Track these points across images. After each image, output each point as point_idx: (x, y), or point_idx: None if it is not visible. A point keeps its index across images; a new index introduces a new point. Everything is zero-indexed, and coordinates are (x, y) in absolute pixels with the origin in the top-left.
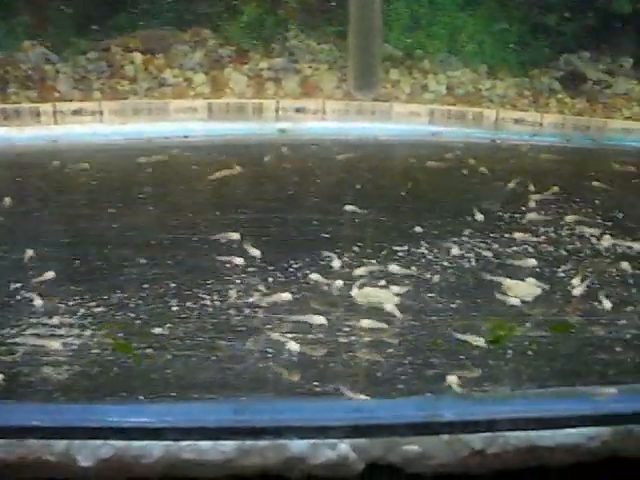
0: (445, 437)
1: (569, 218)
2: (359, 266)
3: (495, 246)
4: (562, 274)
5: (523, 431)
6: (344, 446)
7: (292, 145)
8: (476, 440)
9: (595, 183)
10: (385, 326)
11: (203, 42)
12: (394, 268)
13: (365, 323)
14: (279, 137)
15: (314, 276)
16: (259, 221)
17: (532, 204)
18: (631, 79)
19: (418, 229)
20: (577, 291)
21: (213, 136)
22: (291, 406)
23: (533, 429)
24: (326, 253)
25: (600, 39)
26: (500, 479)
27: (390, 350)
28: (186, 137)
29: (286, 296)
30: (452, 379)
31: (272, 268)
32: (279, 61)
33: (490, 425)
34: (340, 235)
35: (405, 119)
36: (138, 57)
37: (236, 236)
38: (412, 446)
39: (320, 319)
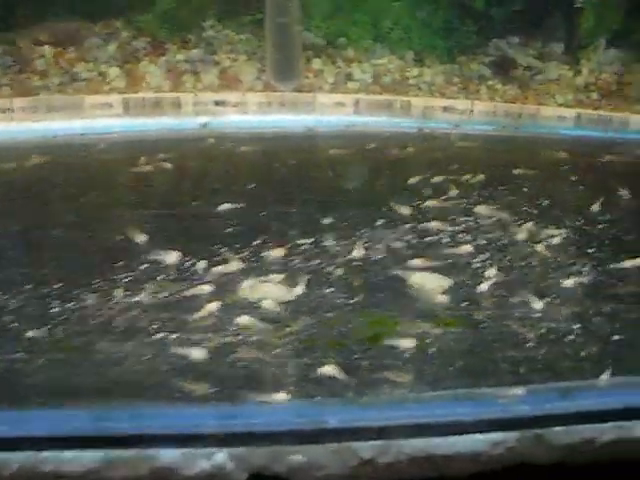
0: (332, 445)
1: (490, 206)
2: (257, 261)
3: (408, 237)
4: (478, 264)
5: (419, 438)
6: (221, 455)
7: (211, 140)
8: (366, 448)
9: (522, 171)
10: (274, 324)
11: (116, 34)
12: (295, 262)
13: (252, 321)
14: (198, 132)
15: (208, 272)
16: (159, 218)
17: (453, 193)
18: (562, 64)
19: (327, 221)
20: (490, 283)
21: (129, 132)
22: (161, 412)
23: (430, 436)
24: (224, 249)
25: (529, 24)
26: None
27: (276, 350)
28: (101, 134)
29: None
30: (328, 369)
31: (166, 265)
32: (196, 52)
33: (381, 432)
34: (243, 230)
35: (330, 110)
36: (48, 50)
37: (131, 234)
38: (297, 455)
39: (207, 317)
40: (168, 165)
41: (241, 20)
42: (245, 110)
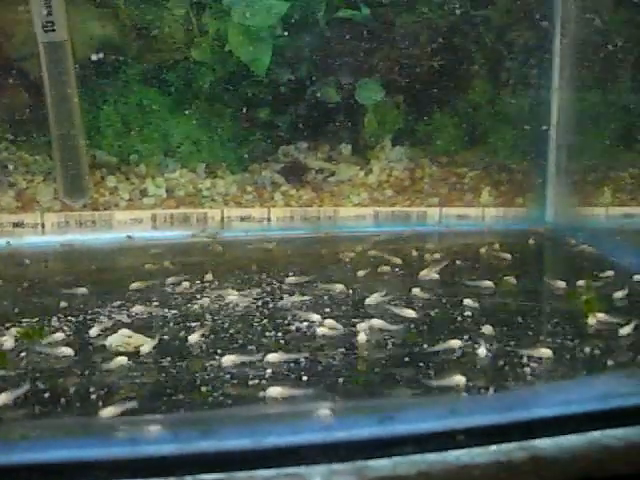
0: None
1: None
2: None
3: None
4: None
5: None
6: None
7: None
8: None
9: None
10: None
11: None
12: None
13: None
14: None
15: None
16: None
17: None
18: (353, 165)
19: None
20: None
21: None
22: None
23: None
24: None
25: (315, 128)
26: None
27: None
28: None
29: None
30: None
31: None
32: None
33: None
34: None
35: (127, 227)
36: None
37: None
38: None
39: None
40: None
41: (35, 141)
42: (43, 231)
